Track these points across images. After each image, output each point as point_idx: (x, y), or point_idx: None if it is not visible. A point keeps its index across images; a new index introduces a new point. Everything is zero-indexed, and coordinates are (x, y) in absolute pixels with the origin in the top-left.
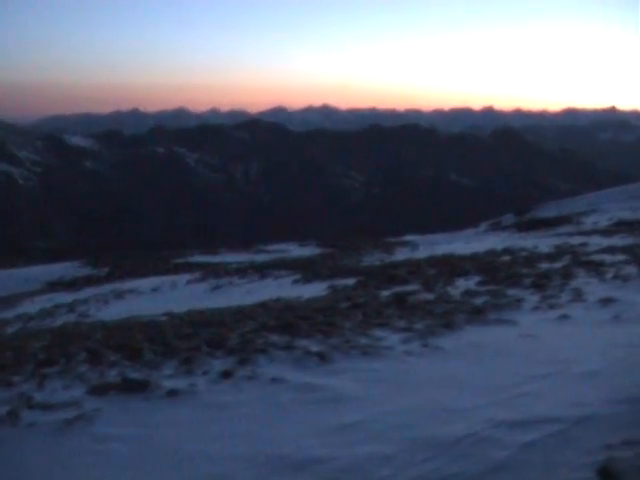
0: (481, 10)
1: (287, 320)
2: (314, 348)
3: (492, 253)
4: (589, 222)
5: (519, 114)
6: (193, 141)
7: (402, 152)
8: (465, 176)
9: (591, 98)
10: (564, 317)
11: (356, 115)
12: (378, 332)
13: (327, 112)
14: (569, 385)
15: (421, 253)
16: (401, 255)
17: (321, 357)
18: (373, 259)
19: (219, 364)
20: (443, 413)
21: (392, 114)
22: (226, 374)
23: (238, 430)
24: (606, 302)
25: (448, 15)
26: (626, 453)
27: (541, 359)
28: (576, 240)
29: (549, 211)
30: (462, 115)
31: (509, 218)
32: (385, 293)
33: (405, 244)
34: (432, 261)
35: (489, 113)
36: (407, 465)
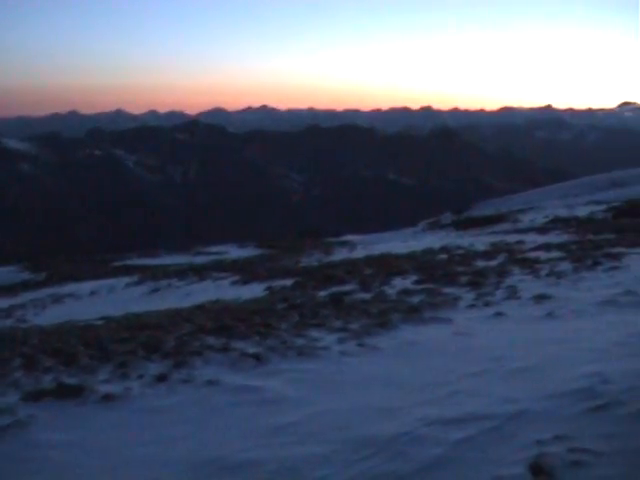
0: (417, 11)
1: (224, 322)
2: (250, 350)
3: (429, 252)
4: (526, 220)
5: (457, 113)
6: (131, 143)
7: (341, 152)
8: (403, 175)
9: (527, 97)
10: (499, 314)
11: (295, 115)
12: (314, 332)
13: (266, 113)
14: (502, 382)
15: (359, 253)
16: (339, 255)
17: (257, 358)
18: (311, 259)
19: (155, 367)
20: (378, 412)
21: (330, 114)
22: (161, 377)
23: (173, 433)
24: (540, 299)
25: (385, 16)
26: (557, 448)
27: (475, 356)
28: (512, 238)
29: (486, 209)
30: (400, 115)
31: (447, 217)
32: (322, 293)
33: (343, 244)
34: (369, 261)
35: (427, 112)
36: (343, 465)
